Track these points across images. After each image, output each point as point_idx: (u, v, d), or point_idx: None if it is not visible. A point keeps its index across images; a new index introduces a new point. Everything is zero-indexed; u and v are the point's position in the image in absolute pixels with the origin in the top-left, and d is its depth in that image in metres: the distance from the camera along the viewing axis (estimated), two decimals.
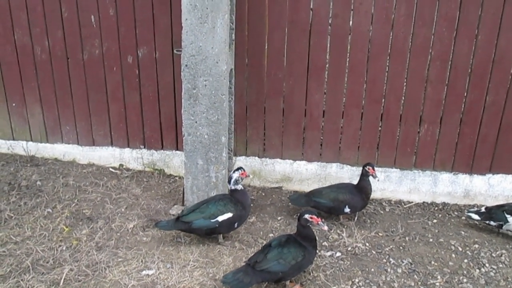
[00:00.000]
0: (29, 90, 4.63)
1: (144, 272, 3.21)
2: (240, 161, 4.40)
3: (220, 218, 3.36)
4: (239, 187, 3.45)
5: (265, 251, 2.98)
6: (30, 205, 3.98)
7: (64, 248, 3.44)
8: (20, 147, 4.85)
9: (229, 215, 3.38)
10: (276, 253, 2.95)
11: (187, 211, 3.42)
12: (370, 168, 3.73)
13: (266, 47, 4.07)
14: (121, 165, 4.70)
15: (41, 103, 4.66)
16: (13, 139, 4.86)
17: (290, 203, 4.06)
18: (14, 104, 4.72)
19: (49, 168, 4.63)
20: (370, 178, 3.78)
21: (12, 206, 3.96)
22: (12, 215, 3.84)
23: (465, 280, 3.23)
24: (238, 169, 3.46)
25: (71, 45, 4.39)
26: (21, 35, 4.44)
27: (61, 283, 3.09)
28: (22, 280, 3.10)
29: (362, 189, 3.78)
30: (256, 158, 4.40)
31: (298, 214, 3.12)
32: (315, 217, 2.99)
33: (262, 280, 2.96)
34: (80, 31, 4.32)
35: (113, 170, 4.65)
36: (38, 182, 4.35)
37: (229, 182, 3.47)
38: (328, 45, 4.02)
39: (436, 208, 4.18)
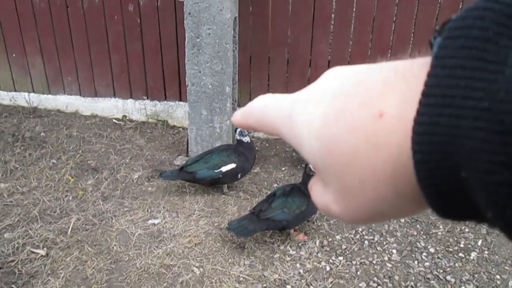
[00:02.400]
0: (29, 40, 4.55)
1: (150, 221, 3.25)
2: None
3: (224, 169, 3.37)
4: (245, 139, 3.44)
5: (270, 200, 3.01)
6: (35, 156, 3.99)
7: (70, 198, 3.48)
8: (22, 98, 4.82)
9: (232, 165, 3.38)
10: (280, 202, 2.97)
11: (191, 161, 3.43)
12: None
13: None
14: (124, 116, 4.68)
15: (41, 54, 4.59)
16: (15, 91, 4.82)
17: (294, 153, 4.06)
18: (14, 55, 4.65)
19: (52, 120, 4.61)
20: None
21: (17, 157, 3.97)
22: (18, 166, 3.86)
23: (467, 230, 3.28)
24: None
25: None
26: None
27: (68, 232, 3.13)
28: (30, 229, 3.14)
29: None
30: None
31: (304, 164, 3.13)
32: None
33: (266, 228, 3.00)
34: None
35: (116, 121, 4.64)
36: (42, 134, 4.35)
37: (235, 131, 3.46)
38: None
39: None
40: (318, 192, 0.36)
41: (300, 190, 3.07)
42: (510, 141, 0.23)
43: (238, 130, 3.42)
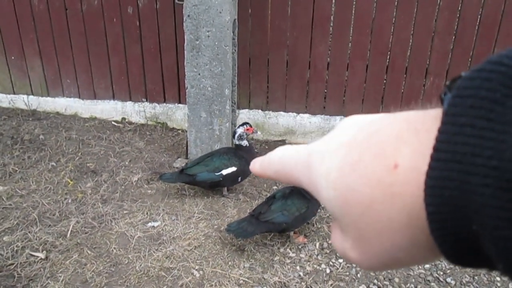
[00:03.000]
0: (28, 42, 4.54)
1: (149, 224, 3.24)
2: (243, 114, 4.37)
3: (224, 172, 3.37)
4: (244, 143, 3.43)
5: (269, 202, 3.01)
6: (34, 159, 3.99)
7: (69, 201, 3.47)
8: (21, 101, 4.81)
9: (233, 169, 3.38)
10: (280, 204, 2.97)
11: (191, 164, 3.42)
12: None
13: None
14: (123, 118, 4.68)
15: (40, 56, 4.58)
16: (14, 93, 4.82)
17: None
18: (13, 57, 4.64)
19: (51, 122, 4.61)
20: None
21: (16, 160, 3.96)
22: (17, 168, 3.85)
23: None
24: (243, 124, 3.43)
25: None
26: None
27: (68, 235, 3.13)
28: (29, 232, 3.13)
29: None
30: (259, 111, 4.37)
31: None
32: None
33: (266, 230, 2.99)
34: None
35: (115, 124, 4.63)
36: (41, 136, 4.34)
37: (233, 136, 3.45)
38: None
39: None
40: (337, 238, 0.37)
41: (300, 192, 3.07)
42: None
43: (237, 134, 3.42)
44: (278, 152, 0.41)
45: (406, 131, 0.31)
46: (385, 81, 4.13)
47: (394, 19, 3.91)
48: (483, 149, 0.26)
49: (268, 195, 3.57)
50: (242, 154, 3.42)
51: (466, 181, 0.26)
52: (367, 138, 0.33)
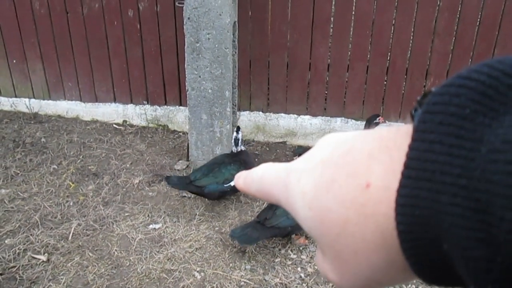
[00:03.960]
0: (29, 46, 4.56)
1: (151, 226, 3.25)
2: (244, 116, 4.38)
3: (233, 183, 3.32)
4: (242, 147, 3.42)
5: (273, 207, 3.00)
6: (36, 162, 4.00)
7: (71, 204, 3.48)
8: (23, 104, 4.83)
9: None
10: (284, 208, 2.96)
11: (199, 174, 3.32)
12: (381, 117, 3.70)
13: None
14: (124, 121, 4.69)
15: (42, 59, 4.60)
16: (16, 97, 4.83)
17: (295, 157, 4.07)
18: (14, 61, 4.66)
19: (53, 125, 4.62)
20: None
21: (18, 163, 3.98)
22: (18, 171, 3.86)
23: None
24: (239, 128, 3.41)
25: None
26: None
27: (69, 237, 3.14)
28: (31, 235, 3.14)
29: None
30: (260, 112, 4.38)
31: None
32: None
33: (271, 236, 2.98)
34: None
35: (117, 126, 4.64)
36: (43, 139, 4.35)
37: (237, 144, 3.41)
38: None
39: None
40: (319, 258, 0.37)
41: None
42: (486, 219, 0.24)
43: (240, 140, 3.39)
44: (259, 170, 0.41)
45: (378, 149, 0.30)
46: (385, 82, 4.13)
47: (394, 20, 3.91)
48: (452, 167, 0.25)
49: None
50: (245, 160, 3.41)
51: (436, 200, 0.26)
52: (341, 157, 0.32)
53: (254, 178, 0.41)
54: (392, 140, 0.30)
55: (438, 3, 3.81)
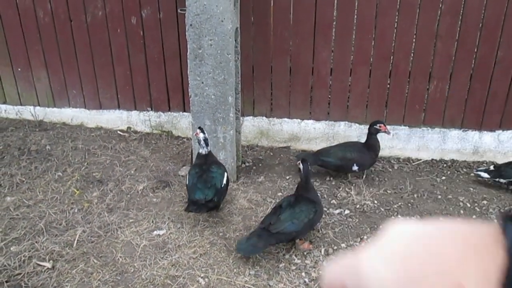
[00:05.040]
0: (34, 54, 4.59)
1: (155, 232, 3.26)
2: (248, 121, 4.38)
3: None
4: (205, 150, 3.37)
5: (277, 212, 2.99)
6: (41, 169, 4.02)
7: (76, 211, 3.49)
8: (28, 112, 4.86)
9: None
10: (289, 213, 2.97)
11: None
12: (382, 125, 3.70)
13: (272, 4, 3.99)
14: (129, 127, 4.71)
15: (46, 67, 4.63)
16: (21, 105, 4.87)
17: (298, 162, 4.06)
18: (19, 69, 4.70)
19: (58, 133, 4.65)
20: (383, 134, 3.76)
21: (23, 171, 4.00)
22: (24, 179, 3.88)
23: None
24: (202, 128, 3.38)
25: (73, 7, 4.32)
26: None
27: (74, 244, 3.15)
28: (36, 242, 3.16)
29: (370, 147, 3.77)
30: (264, 118, 4.38)
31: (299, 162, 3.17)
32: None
33: (276, 242, 2.98)
34: None
35: (121, 133, 4.66)
36: (48, 147, 4.38)
37: (207, 144, 3.35)
38: (336, 1, 3.93)
39: (444, 165, 4.17)
40: None
41: (304, 198, 3.08)
42: None
43: (206, 141, 3.35)
44: (328, 269, 0.43)
45: (468, 251, 0.32)
46: (388, 86, 4.13)
47: (396, 24, 3.92)
48: None
49: (273, 202, 3.58)
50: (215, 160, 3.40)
51: None
52: (429, 255, 0.33)
53: (328, 280, 0.43)
54: (481, 244, 0.32)
55: (440, 6, 3.81)
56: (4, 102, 4.88)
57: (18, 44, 4.57)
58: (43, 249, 3.10)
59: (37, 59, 4.61)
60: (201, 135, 3.30)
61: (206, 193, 3.16)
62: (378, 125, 3.71)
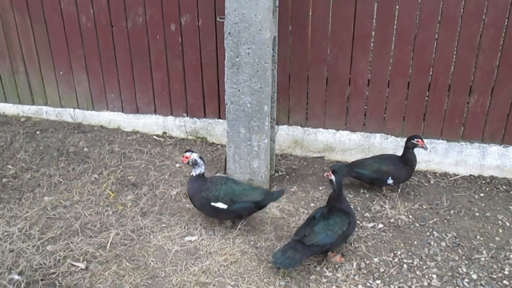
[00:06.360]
0: (76, 58, 4.71)
1: (187, 238, 3.27)
2: (282, 130, 4.37)
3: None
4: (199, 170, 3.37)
5: (311, 224, 2.96)
6: (78, 171, 4.11)
7: (110, 213, 3.55)
8: (68, 114, 4.98)
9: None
10: (322, 225, 2.93)
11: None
12: (419, 140, 3.63)
13: (310, 14, 3.98)
14: (164, 132, 4.77)
15: (87, 71, 4.74)
16: (61, 107, 4.99)
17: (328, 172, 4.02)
18: (61, 72, 4.82)
19: (95, 135, 4.74)
20: (420, 149, 3.70)
21: (61, 171, 4.10)
22: (61, 180, 3.97)
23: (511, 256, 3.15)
24: (190, 151, 3.40)
25: (115, 13, 4.41)
26: (67, 4, 4.49)
27: (107, 246, 3.20)
28: (71, 242, 3.22)
29: (406, 161, 3.70)
30: (299, 127, 4.36)
31: (327, 175, 3.16)
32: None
33: (311, 254, 2.95)
34: None
35: (156, 138, 4.72)
36: (85, 149, 4.47)
37: (204, 162, 3.38)
38: (375, 11, 3.89)
39: (483, 182, 4.05)
40: None
41: (338, 209, 3.05)
42: None
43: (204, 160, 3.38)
44: None
45: None
46: (427, 99, 4.05)
47: (436, 36, 3.84)
48: None
49: (305, 212, 3.55)
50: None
51: None
52: None
53: None
54: None
55: (484, 18, 3.72)
56: (46, 104, 5.03)
57: (61, 48, 4.70)
58: (77, 249, 3.16)
59: (78, 63, 4.72)
60: (196, 157, 3.34)
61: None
62: (415, 139, 3.64)
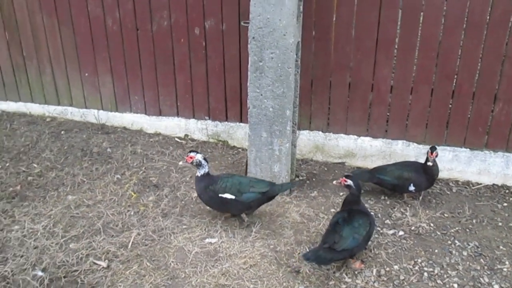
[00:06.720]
0: (101, 60, 4.80)
1: (207, 240, 3.30)
2: (304, 135, 4.38)
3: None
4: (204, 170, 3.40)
5: (338, 229, 2.95)
6: (101, 171, 4.17)
7: (132, 213, 3.60)
8: (92, 115, 5.07)
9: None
10: (349, 229, 2.93)
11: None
12: (429, 151, 3.61)
13: (334, 19, 3.98)
14: (186, 135, 4.81)
15: (111, 73, 4.82)
16: (86, 108, 5.08)
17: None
18: (86, 74, 4.91)
19: (118, 136, 4.81)
20: (441, 156, 3.68)
21: (85, 171, 4.17)
22: (85, 179, 4.04)
23: None
24: (194, 152, 3.41)
25: (140, 16, 4.49)
26: (94, 7, 4.58)
27: (129, 246, 3.24)
28: (94, 241, 3.27)
29: (428, 169, 3.66)
30: (320, 132, 4.36)
31: (337, 182, 3.18)
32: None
33: (340, 258, 2.96)
34: (149, 3, 4.41)
35: (178, 140, 4.77)
36: (108, 149, 4.54)
37: (203, 166, 3.39)
38: (399, 17, 3.88)
39: (507, 191, 3.99)
40: None
41: (357, 211, 3.07)
42: None
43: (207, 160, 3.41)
44: None
45: None
46: (450, 106, 4.01)
47: (461, 43, 3.81)
48: None
49: (325, 217, 3.55)
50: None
51: None
52: None
53: None
54: None
55: (510, 25, 3.67)
56: (71, 105, 5.12)
57: (87, 50, 4.79)
58: (99, 248, 3.21)
59: (103, 65, 4.80)
60: (200, 158, 3.36)
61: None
62: (429, 150, 3.61)
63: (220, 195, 3.30)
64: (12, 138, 4.79)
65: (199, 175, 3.40)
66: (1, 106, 5.42)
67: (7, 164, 4.30)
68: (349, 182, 3.11)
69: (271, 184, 3.39)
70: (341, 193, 3.91)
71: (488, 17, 3.70)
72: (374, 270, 3.05)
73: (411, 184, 3.67)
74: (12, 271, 2.99)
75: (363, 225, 2.97)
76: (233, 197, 3.28)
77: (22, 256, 3.12)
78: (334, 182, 3.27)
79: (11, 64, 5.16)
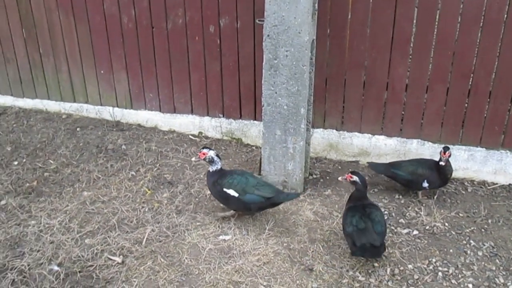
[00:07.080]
0: (116, 57, 4.83)
1: (221, 237, 3.31)
2: (318, 133, 4.37)
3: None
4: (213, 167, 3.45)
5: (368, 228, 2.95)
6: (116, 168, 4.21)
7: (146, 210, 3.62)
8: (107, 112, 5.11)
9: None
10: (376, 224, 2.99)
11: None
12: (442, 151, 3.58)
13: (349, 17, 3.97)
14: (200, 132, 4.83)
15: (126, 71, 4.86)
16: (101, 105, 5.13)
17: (367, 177, 3.99)
18: (102, 71, 4.95)
19: (133, 133, 4.84)
20: (456, 155, 3.66)
21: (100, 168, 4.21)
22: (100, 176, 4.08)
23: None
24: (207, 148, 3.44)
25: (156, 14, 4.51)
26: (109, 4, 4.62)
27: (143, 242, 3.26)
28: (108, 236, 3.31)
29: (441, 168, 3.63)
30: (334, 130, 4.35)
31: (344, 177, 3.23)
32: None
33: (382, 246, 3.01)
34: (164, 1, 4.43)
35: (192, 137, 4.79)
36: (123, 146, 4.58)
37: (215, 162, 3.43)
38: (415, 16, 3.85)
39: None
40: None
41: (368, 205, 3.13)
42: None
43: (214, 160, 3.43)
44: None
45: None
46: (466, 105, 3.98)
47: (478, 41, 3.77)
48: None
49: (339, 216, 3.54)
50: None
51: None
52: None
53: None
54: None
55: None
56: (86, 102, 5.17)
57: (103, 48, 4.83)
58: (114, 244, 3.24)
59: (119, 63, 4.84)
60: (212, 154, 3.40)
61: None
62: (442, 149, 3.59)
63: (224, 189, 3.33)
64: (28, 135, 4.85)
65: (211, 170, 3.42)
66: (18, 103, 5.49)
67: (24, 160, 4.35)
68: (355, 178, 3.13)
69: (277, 191, 3.37)
70: None
71: (505, 15, 3.65)
72: (388, 269, 3.04)
73: (425, 181, 3.65)
74: (28, 265, 3.04)
75: (379, 216, 3.05)
76: (236, 194, 3.30)
77: (38, 251, 3.17)
78: (340, 178, 3.28)
79: (28, 61, 5.22)
